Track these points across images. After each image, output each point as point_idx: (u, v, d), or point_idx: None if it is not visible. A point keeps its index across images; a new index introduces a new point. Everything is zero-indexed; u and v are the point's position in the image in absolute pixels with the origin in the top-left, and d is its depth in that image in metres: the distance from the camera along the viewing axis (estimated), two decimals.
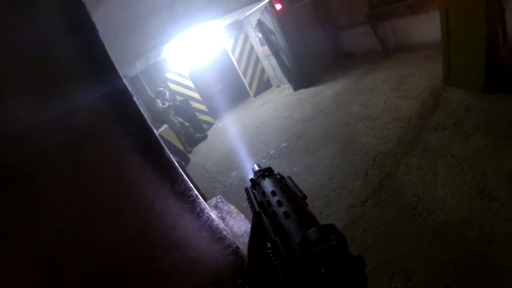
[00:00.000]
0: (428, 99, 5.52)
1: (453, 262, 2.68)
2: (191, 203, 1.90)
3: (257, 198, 0.83)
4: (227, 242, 2.03)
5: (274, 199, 0.76)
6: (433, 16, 6.35)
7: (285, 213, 0.68)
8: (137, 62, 7.45)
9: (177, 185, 1.85)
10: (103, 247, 1.58)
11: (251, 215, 0.83)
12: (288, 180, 0.87)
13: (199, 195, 1.98)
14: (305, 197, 0.78)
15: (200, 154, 9.04)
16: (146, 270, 1.70)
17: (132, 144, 1.71)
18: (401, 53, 8.51)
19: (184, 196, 1.87)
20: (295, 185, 0.83)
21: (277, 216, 0.70)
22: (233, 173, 6.53)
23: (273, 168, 0.96)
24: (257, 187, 0.89)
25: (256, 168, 0.99)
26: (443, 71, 5.51)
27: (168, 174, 1.83)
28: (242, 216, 2.87)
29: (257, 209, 0.80)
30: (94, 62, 1.59)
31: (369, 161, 4.67)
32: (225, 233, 2.05)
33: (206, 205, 2.02)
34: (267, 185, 0.85)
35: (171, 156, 1.91)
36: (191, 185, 1.94)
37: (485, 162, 3.58)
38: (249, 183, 0.93)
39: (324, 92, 8.82)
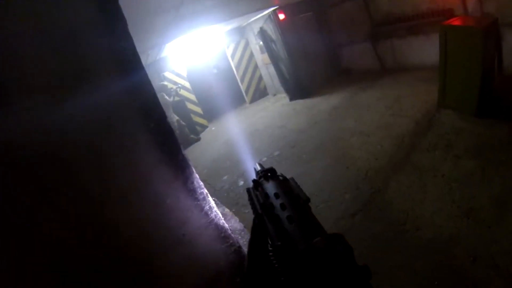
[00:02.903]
0: (421, 120, 5.62)
1: (438, 278, 2.73)
2: (201, 200, 1.91)
3: (259, 200, 0.82)
4: (231, 241, 2.05)
5: (277, 202, 0.75)
6: (432, 39, 6.48)
7: (288, 217, 0.68)
8: None
9: (190, 182, 1.86)
10: (111, 239, 1.59)
11: (245, 218, 0.82)
12: (292, 182, 0.86)
13: (208, 194, 2.00)
14: (308, 200, 0.78)
15: (192, 156, 8.99)
16: (150, 264, 1.71)
17: (151, 139, 1.73)
18: (398, 72, 8.63)
19: (195, 193, 1.88)
20: (299, 187, 0.83)
21: (281, 220, 0.70)
22: (224, 178, 6.53)
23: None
24: (259, 188, 0.87)
25: (258, 168, 0.97)
26: (438, 93, 5.61)
27: (182, 171, 1.84)
28: (237, 219, 2.89)
29: (259, 211, 0.78)
30: (122, 57, 1.60)
31: (361, 175, 4.73)
32: (229, 232, 2.06)
33: (214, 204, 2.04)
34: (270, 187, 0.83)
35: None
36: (201, 183, 1.95)
37: (473, 184, 3.66)
38: (245, 187, 0.91)
39: (320, 104, 8.89)
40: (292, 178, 0.88)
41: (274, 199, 0.77)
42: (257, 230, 0.77)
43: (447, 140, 4.73)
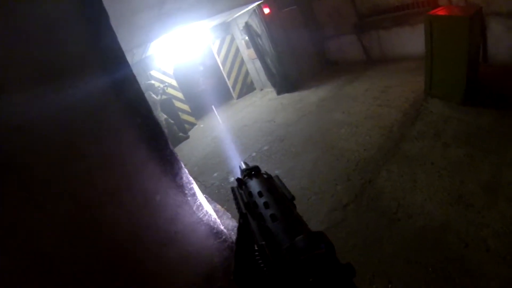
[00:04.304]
0: (409, 109, 5.67)
1: (432, 265, 2.75)
2: (191, 196, 1.87)
3: (244, 199, 0.81)
4: (224, 237, 2.01)
5: (260, 201, 0.74)
6: (418, 29, 6.53)
7: (272, 215, 0.67)
8: None
9: (179, 177, 1.82)
10: (100, 241, 1.54)
11: (237, 214, 0.81)
12: (276, 180, 0.85)
13: (198, 189, 1.96)
14: (293, 198, 0.77)
15: (182, 154, 8.92)
16: (143, 264, 1.67)
17: (137, 135, 1.68)
18: (385, 63, 8.71)
19: (185, 188, 1.84)
20: (284, 185, 0.82)
21: (264, 219, 0.69)
22: (215, 174, 6.49)
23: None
24: (243, 186, 0.86)
25: (243, 166, 0.96)
26: (425, 83, 5.68)
27: (171, 167, 1.80)
28: (229, 214, 2.86)
29: (243, 210, 0.77)
30: (104, 51, 1.55)
31: (351, 166, 4.75)
32: (222, 227, 2.03)
33: (205, 199, 2.00)
34: (254, 185, 0.83)
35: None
36: (191, 178, 1.91)
37: (462, 171, 3.71)
38: (235, 183, 0.90)
39: (308, 97, 8.91)
40: (277, 176, 0.87)
41: (257, 197, 0.76)
42: (242, 230, 0.76)
43: (435, 128, 4.78)
